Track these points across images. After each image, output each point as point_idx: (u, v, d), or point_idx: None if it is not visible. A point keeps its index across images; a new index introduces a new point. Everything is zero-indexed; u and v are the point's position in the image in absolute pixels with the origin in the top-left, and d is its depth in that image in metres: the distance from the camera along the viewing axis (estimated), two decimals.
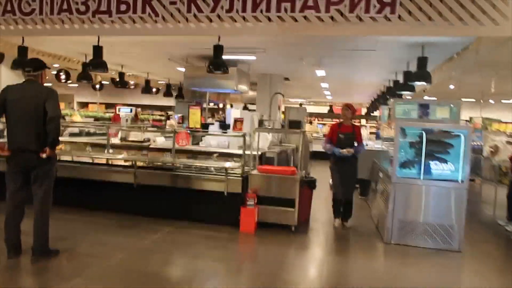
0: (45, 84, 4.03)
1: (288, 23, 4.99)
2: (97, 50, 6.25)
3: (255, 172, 5.53)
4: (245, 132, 5.61)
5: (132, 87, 13.91)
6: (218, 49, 5.79)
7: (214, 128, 7.40)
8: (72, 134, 9.19)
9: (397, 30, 4.88)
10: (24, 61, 4.18)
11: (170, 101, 16.72)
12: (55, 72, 11.65)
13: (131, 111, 10.50)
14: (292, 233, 5.29)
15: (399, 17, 4.75)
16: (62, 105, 22.34)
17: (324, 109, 21.26)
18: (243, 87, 8.84)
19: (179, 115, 12.66)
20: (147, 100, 20.92)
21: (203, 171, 5.59)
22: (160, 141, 6.91)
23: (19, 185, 3.87)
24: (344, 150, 5.51)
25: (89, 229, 5.04)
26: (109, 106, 21.60)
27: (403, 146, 5.30)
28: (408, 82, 7.14)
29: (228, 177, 5.35)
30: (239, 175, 5.38)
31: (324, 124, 19.94)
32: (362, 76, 10.48)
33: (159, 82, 14.23)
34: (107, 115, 18.19)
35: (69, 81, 11.75)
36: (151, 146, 6.71)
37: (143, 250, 4.40)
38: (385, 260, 4.84)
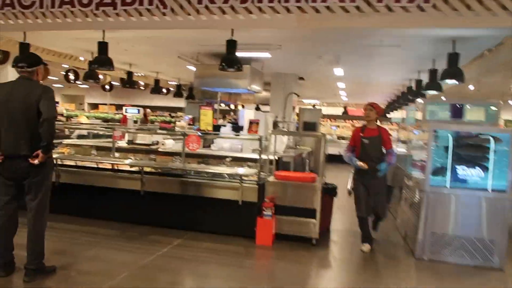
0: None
1: (309, 14, 4.54)
2: (102, 46, 5.87)
3: (272, 179, 5.05)
4: (261, 135, 5.12)
5: (142, 88, 13.61)
6: (232, 44, 5.34)
7: (226, 130, 6.95)
8: (80, 136, 8.87)
9: (431, 21, 4.39)
10: (19, 57, 3.75)
11: (180, 102, 16.38)
12: (64, 73, 11.44)
13: (138, 111, 10.11)
14: (313, 247, 4.80)
15: (434, 6, 4.27)
16: (72, 106, 22.29)
17: (337, 111, 20.69)
18: (256, 87, 8.37)
19: (190, 116, 12.27)
20: (157, 101, 20.63)
21: (215, 177, 5.13)
22: (169, 144, 6.48)
23: (12, 195, 3.45)
24: (360, 163, 4.71)
25: (90, 241, 4.61)
26: (119, 107, 21.39)
27: (436, 151, 4.79)
28: (437, 81, 6.59)
29: (243, 184, 4.88)
30: (255, 182, 4.91)
31: (338, 126, 19.43)
32: (382, 75, 9.94)
33: (169, 82, 13.88)
34: (117, 116, 17.95)
35: (78, 81, 11.52)
36: (159, 150, 6.28)
37: (148, 268, 3.95)
38: (419, 280, 4.29)
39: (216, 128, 7.10)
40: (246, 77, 7.53)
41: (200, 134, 6.03)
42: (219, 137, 6.40)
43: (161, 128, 7.77)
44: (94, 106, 23.89)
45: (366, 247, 4.82)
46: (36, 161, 3.28)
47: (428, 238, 4.64)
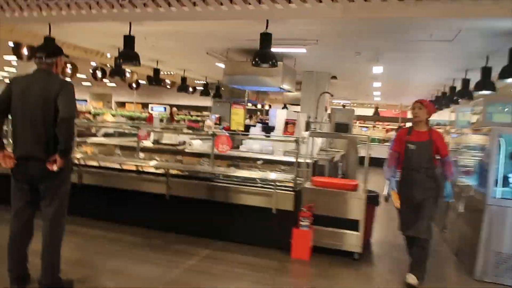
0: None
1: (356, 3, 4.04)
2: (128, 40, 5.55)
3: (309, 185, 4.57)
4: (298, 137, 4.65)
5: (168, 86, 13.41)
6: (266, 38, 4.90)
7: (256, 130, 6.50)
8: (105, 135, 8.66)
9: (498, 9, 3.80)
10: (38, 47, 3.41)
11: (207, 102, 16.09)
12: (91, 70, 11.34)
13: (165, 109, 9.80)
14: (355, 262, 4.29)
15: None
16: (100, 104, 22.43)
17: (368, 111, 19.92)
18: (288, 85, 7.90)
19: (216, 115, 11.91)
20: (184, 100, 20.46)
21: (246, 181, 4.69)
22: (196, 144, 6.10)
23: (26, 201, 3.10)
24: (395, 197, 3.87)
25: (111, 250, 4.25)
26: (145, 106, 21.38)
27: (501, 158, 4.19)
28: (491, 80, 5.93)
29: (278, 191, 4.42)
30: (291, 189, 4.44)
31: (367, 128, 18.70)
32: (424, 74, 9.26)
33: (196, 82, 13.61)
34: (144, 115, 17.87)
35: (105, 79, 11.40)
36: (186, 150, 5.91)
37: (173, 284, 3.54)
38: None
39: (246, 128, 6.66)
40: (279, 74, 7.08)
41: (228, 134, 5.60)
42: (253, 138, 5.94)
43: (188, 127, 7.39)
44: (121, 104, 24.02)
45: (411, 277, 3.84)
46: (55, 168, 2.92)
47: (491, 258, 4.04)
